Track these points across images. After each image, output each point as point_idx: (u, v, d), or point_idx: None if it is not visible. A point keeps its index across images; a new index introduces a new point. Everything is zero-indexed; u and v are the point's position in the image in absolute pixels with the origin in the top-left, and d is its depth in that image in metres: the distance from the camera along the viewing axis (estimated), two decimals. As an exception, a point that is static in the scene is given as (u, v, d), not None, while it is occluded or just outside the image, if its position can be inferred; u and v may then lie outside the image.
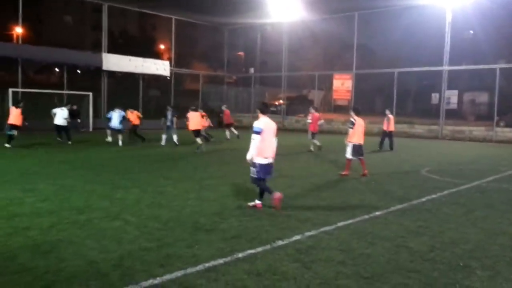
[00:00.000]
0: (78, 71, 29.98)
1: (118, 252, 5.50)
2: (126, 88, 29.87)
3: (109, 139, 19.44)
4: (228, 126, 22.43)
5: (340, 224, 7.02)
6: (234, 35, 37.85)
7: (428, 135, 28.07)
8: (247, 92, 36.75)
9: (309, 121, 18.12)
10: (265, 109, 8.21)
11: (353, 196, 9.34)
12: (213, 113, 33.11)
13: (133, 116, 20.15)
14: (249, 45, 38.89)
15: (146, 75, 30.49)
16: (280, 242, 6.03)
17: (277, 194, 7.74)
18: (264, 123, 7.74)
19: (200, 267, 5.08)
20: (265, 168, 7.82)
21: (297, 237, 6.27)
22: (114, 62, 28.18)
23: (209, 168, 12.98)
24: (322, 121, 18.87)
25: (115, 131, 19.13)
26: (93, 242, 5.82)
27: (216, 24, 35.73)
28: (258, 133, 7.59)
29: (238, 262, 5.27)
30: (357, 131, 11.86)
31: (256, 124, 7.70)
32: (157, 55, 39.69)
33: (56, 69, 31.62)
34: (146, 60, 30.32)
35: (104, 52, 28.29)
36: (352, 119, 11.95)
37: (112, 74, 29.16)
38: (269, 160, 7.85)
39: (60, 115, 18.53)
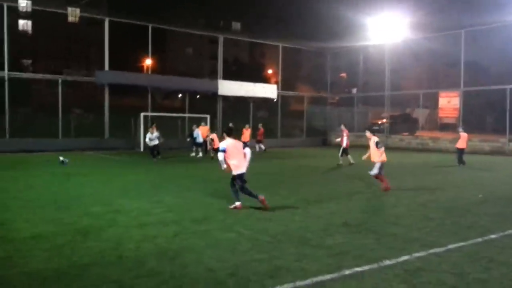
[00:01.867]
0: (198, 96, 31.79)
1: (233, 261, 5.65)
2: (238, 110, 31.08)
3: (200, 154, 21.40)
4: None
5: (451, 246, 6.49)
6: (337, 58, 37.54)
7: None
8: (350, 112, 36.10)
9: (338, 139, 18.64)
10: (230, 132, 9.26)
11: (465, 217, 8.62)
12: (316, 132, 33.08)
13: (247, 133, 21.69)
14: (351, 66, 38.29)
15: (256, 98, 31.39)
16: (387, 262, 5.75)
17: (261, 197, 8.95)
18: (228, 143, 8.94)
19: (308, 281, 5.02)
20: (242, 177, 8.98)
21: (405, 257, 5.92)
22: (228, 87, 29.47)
23: (315, 186, 12.88)
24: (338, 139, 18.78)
25: (198, 146, 21.33)
26: (211, 251, 6.05)
27: (319, 49, 35.87)
28: (223, 151, 8.86)
29: (345, 279, 5.13)
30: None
31: (221, 144, 9.08)
32: (265, 80, 40.76)
33: (179, 95, 33.87)
34: (256, 84, 31.28)
35: (220, 78, 29.73)
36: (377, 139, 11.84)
37: (226, 98, 30.49)
38: (243, 170, 9.01)
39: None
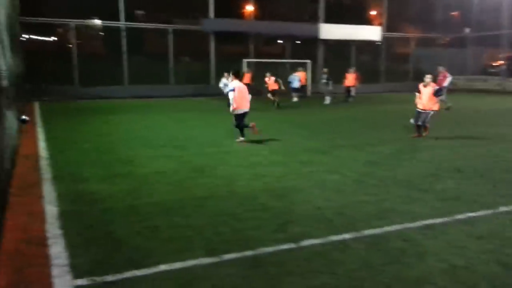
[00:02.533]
0: (298, 42, 31.29)
1: (339, 201, 5.74)
2: (339, 55, 30.09)
3: (295, 99, 21.09)
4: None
5: None
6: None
7: None
8: (462, 54, 33.09)
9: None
10: (237, 75, 10.37)
11: None
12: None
13: (351, 77, 21.32)
14: (463, 3, 34.65)
15: (358, 41, 30.06)
16: (503, 208, 5.44)
17: (252, 123, 10.25)
18: (236, 84, 9.99)
19: (417, 223, 4.97)
20: (243, 115, 10.15)
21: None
22: (329, 31, 28.52)
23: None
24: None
25: (293, 91, 21.20)
26: (318, 191, 6.19)
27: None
28: (232, 90, 9.91)
29: (457, 224, 4.97)
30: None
31: (231, 85, 10.17)
32: (368, 22, 38.64)
33: (280, 41, 33.63)
34: (358, 27, 29.82)
35: (321, 22, 28.82)
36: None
37: (327, 42, 29.62)
38: (246, 109, 10.15)
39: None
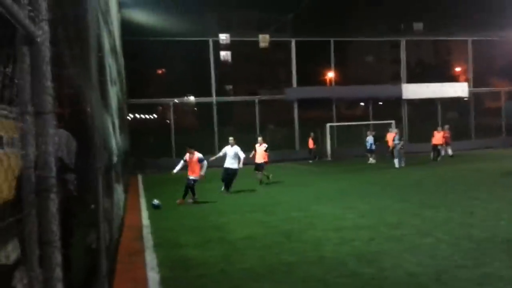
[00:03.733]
0: (380, 103, 31.00)
1: (434, 267, 5.38)
2: (424, 113, 29.22)
3: (371, 161, 20.75)
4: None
5: None
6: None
7: None
8: None
9: None
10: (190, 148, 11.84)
11: None
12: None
13: (438, 136, 20.37)
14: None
15: (444, 98, 29.04)
16: None
17: (179, 200, 11.41)
18: (187, 156, 11.78)
19: None
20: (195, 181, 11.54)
21: None
22: (413, 90, 28.03)
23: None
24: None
25: (368, 152, 21.00)
26: (409, 256, 5.87)
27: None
28: (184, 161, 11.91)
29: None
30: None
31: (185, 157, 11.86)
32: (453, 78, 37.39)
33: (362, 103, 33.57)
34: (442, 84, 28.97)
35: (403, 82, 28.49)
36: None
37: (411, 101, 28.99)
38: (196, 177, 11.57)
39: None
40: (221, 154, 13.38)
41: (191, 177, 11.50)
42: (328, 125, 24.86)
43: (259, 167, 14.76)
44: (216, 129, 24.46)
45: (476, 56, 30.86)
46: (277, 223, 8.50)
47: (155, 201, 10.78)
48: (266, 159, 14.95)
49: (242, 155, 12.87)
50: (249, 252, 6.56)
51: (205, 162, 11.65)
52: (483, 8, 31.15)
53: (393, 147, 18.63)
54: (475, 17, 30.55)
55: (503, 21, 27.82)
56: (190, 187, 11.40)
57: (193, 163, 11.61)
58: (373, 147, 21.05)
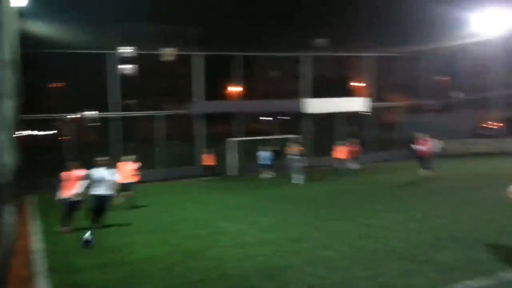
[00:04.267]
0: (283, 117, 32.31)
1: (334, 279, 5.82)
2: (326, 128, 30.94)
3: (265, 176, 21.09)
4: None
5: None
6: (434, 61, 35.72)
7: None
8: (453, 118, 34.07)
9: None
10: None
11: None
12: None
13: (341, 150, 21.33)
14: (450, 68, 36.45)
15: (346, 113, 31.10)
16: (504, 275, 5.55)
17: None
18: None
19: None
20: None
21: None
22: (315, 105, 29.52)
23: (415, 200, 12.49)
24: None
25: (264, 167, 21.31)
26: (311, 269, 6.28)
27: (413, 53, 34.56)
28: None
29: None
30: None
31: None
32: (355, 93, 40.20)
33: (267, 118, 34.73)
34: (344, 99, 31.07)
35: (307, 97, 29.99)
36: None
37: (313, 116, 30.56)
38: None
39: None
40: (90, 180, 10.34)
41: (68, 198, 10.04)
42: (228, 139, 25.12)
43: (126, 186, 13.46)
44: (116, 145, 23.66)
45: (376, 71, 33.52)
46: (180, 241, 8.53)
47: (87, 236, 8.58)
48: (134, 178, 14.07)
49: (115, 178, 10.97)
50: (151, 273, 6.53)
51: (85, 182, 10.08)
52: (386, 26, 34.07)
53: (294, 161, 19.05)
54: (378, 34, 33.29)
55: (405, 38, 30.52)
56: (70, 209, 10.05)
57: (72, 181, 10.11)
58: (270, 162, 21.52)
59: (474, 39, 30.85)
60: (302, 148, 20.76)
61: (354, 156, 21.98)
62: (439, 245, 7.16)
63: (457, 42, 31.61)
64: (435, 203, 11.35)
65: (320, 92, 32.59)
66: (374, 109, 32.16)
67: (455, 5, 30.80)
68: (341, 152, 21.37)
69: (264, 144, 23.64)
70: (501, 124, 31.21)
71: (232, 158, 24.68)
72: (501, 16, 28.92)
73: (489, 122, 33.61)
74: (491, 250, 6.71)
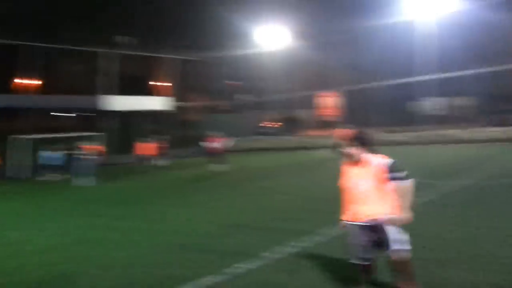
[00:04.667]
0: (84, 114, 30.35)
1: (126, 280, 5.58)
2: (129, 125, 30.16)
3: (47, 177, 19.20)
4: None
5: (334, 233, 6.95)
6: (230, 66, 38.31)
7: (416, 141, 27.75)
8: (244, 118, 37.00)
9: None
10: None
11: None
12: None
13: (144, 146, 20.73)
14: (244, 73, 39.48)
15: (147, 111, 30.84)
16: (275, 255, 6.03)
17: None
18: None
19: (190, 285, 5.12)
20: None
21: (292, 249, 6.27)
22: (118, 103, 28.63)
23: (205, 193, 13.04)
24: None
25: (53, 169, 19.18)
26: (102, 272, 5.88)
27: (211, 58, 36.34)
28: None
29: (233, 278, 5.29)
30: None
31: None
32: (158, 92, 40.20)
33: (63, 114, 32.03)
34: (147, 98, 30.79)
35: (109, 94, 28.73)
36: None
37: (116, 113, 29.48)
38: None
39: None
40: None
41: None
42: (12, 137, 22.14)
43: None
44: None
45: (178, 72, 34.14)
46: None
47: None
48: None
49: None
50: None
51: None
52: (188, 31, 34.86)
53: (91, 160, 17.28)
54: (182, 38, 33.93)
55: (207, 45, 31.89)
56: None
57: None
58: (59, 162, 19.11)
59: (260, 49, 34.39)
60: (101, 147, 19.56)
61: (161, 153, 21.86)
62: (221, 233, 7.54)
63: (247, 51, 34.70)
64: (224, 195, 12.05)
65: (124, 90, 31.58)
66: (176, 108, 32.71)
67: (245, 19, 33.74)
68: (144, 149, 21.04)
69: (55, 142, 21.11)
70: (279, 124, 35.25)
71: (17, 158, 21.70)
72: (280, 32, 33.24)
73: (270, 122, 37.72)
74: (262, 234, 7.32)
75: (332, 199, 9.64)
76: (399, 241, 4.11)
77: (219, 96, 38.70)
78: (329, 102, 33.21)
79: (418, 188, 4.27)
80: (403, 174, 4.14)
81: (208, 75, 38.20)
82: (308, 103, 36.53)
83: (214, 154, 18.00)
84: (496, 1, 28.08)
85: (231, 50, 34.18)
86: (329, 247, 6.25)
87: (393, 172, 4.10)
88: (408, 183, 4.13)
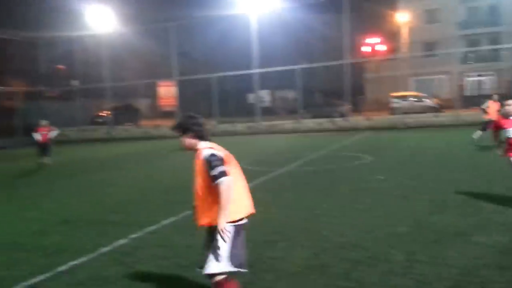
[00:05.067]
0: None
1: None
2: None
3: None
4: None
5: (165, 222, 7.11)
6: (51, 48, 34.86)
7: (248, 131, 29.57)
8: (71, 106, 34.29)
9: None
10: None
11: (174, 195, 9.39)
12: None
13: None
14: (68, 57, 36.42)
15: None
16: (104, 249, 5.89)
17: None
18: None
19: (18, 286, 4.77)
20: None
21: (122, 241, 6.19)
22: None
23: (29, 188, 11.93)
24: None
25: None
26: None
27: (29, 39, 32.63)
28: None
29: (59, 276, 5.05)
30: None
31: None
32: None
33: None
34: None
35: None
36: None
37: None
38: None
39: None
40: None
41: None
42: None
43: None
44: None
45: (2, 54, 30.03)
46: None
47: None
48: None
49: None
50: None
51: None
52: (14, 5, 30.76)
53: None
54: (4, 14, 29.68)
55: (17, 20, 28.35)
56: None
57: None
58: None
59: (88, 32, 32.24)
60: None
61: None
62: (48, 231, 7.05)
63: (74, 33, 32.22)
64: (55, 189, 11.23)
65: None
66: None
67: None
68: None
69: None
70: (109, 113, 33.82)
71: None
72: (109, 14, 31.62)
73: (102, 111, 35.92)
74: (94, 228, 7.07)
75: (167, 190, 9.92)
76: (212, 260, 3.55)
77: (45, 82, 35.13)
78: (168, 91, 33.05)
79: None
80: (217, 171, 3.49)
81: (33, 58, 34.34)
82: (146, 92, 35.74)
83: (44, 145, 16.27)
84: (315, 2, 31.44)
85: (59, 31, 31.28)
86: (162, 237, 6.36)
87: (210, 169, 3.50)
88: (223, 183, 3.46)
